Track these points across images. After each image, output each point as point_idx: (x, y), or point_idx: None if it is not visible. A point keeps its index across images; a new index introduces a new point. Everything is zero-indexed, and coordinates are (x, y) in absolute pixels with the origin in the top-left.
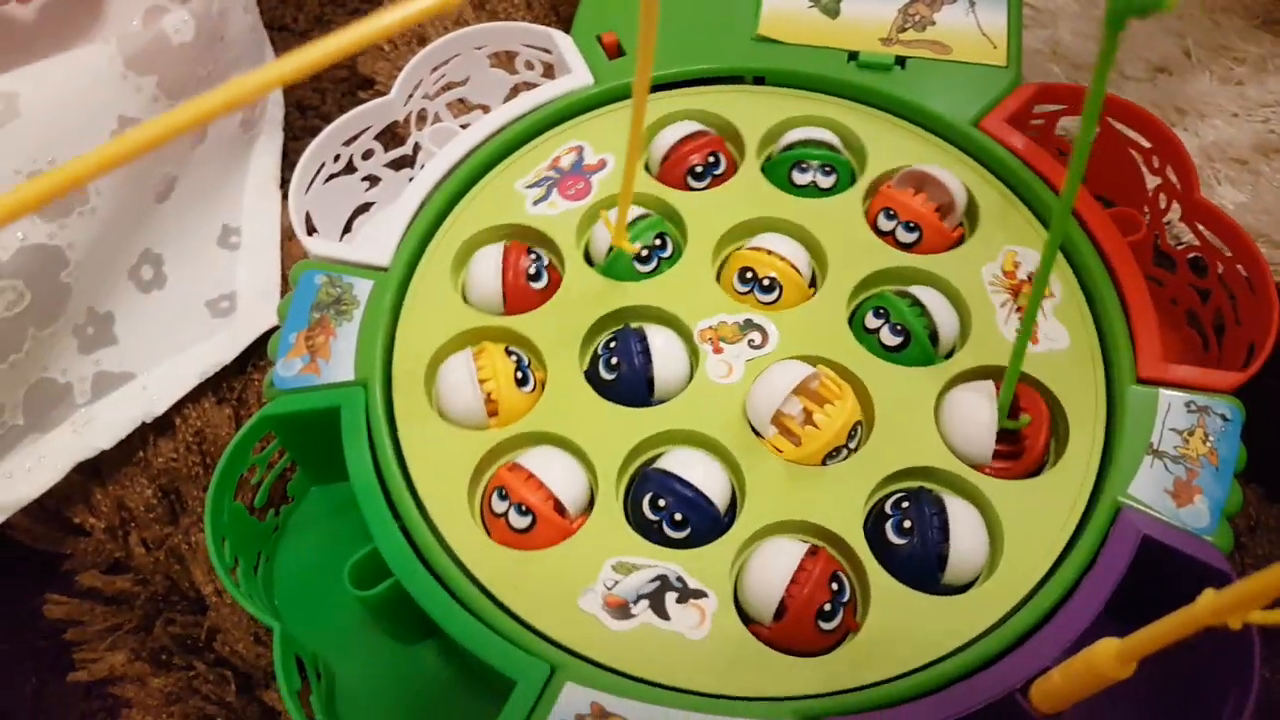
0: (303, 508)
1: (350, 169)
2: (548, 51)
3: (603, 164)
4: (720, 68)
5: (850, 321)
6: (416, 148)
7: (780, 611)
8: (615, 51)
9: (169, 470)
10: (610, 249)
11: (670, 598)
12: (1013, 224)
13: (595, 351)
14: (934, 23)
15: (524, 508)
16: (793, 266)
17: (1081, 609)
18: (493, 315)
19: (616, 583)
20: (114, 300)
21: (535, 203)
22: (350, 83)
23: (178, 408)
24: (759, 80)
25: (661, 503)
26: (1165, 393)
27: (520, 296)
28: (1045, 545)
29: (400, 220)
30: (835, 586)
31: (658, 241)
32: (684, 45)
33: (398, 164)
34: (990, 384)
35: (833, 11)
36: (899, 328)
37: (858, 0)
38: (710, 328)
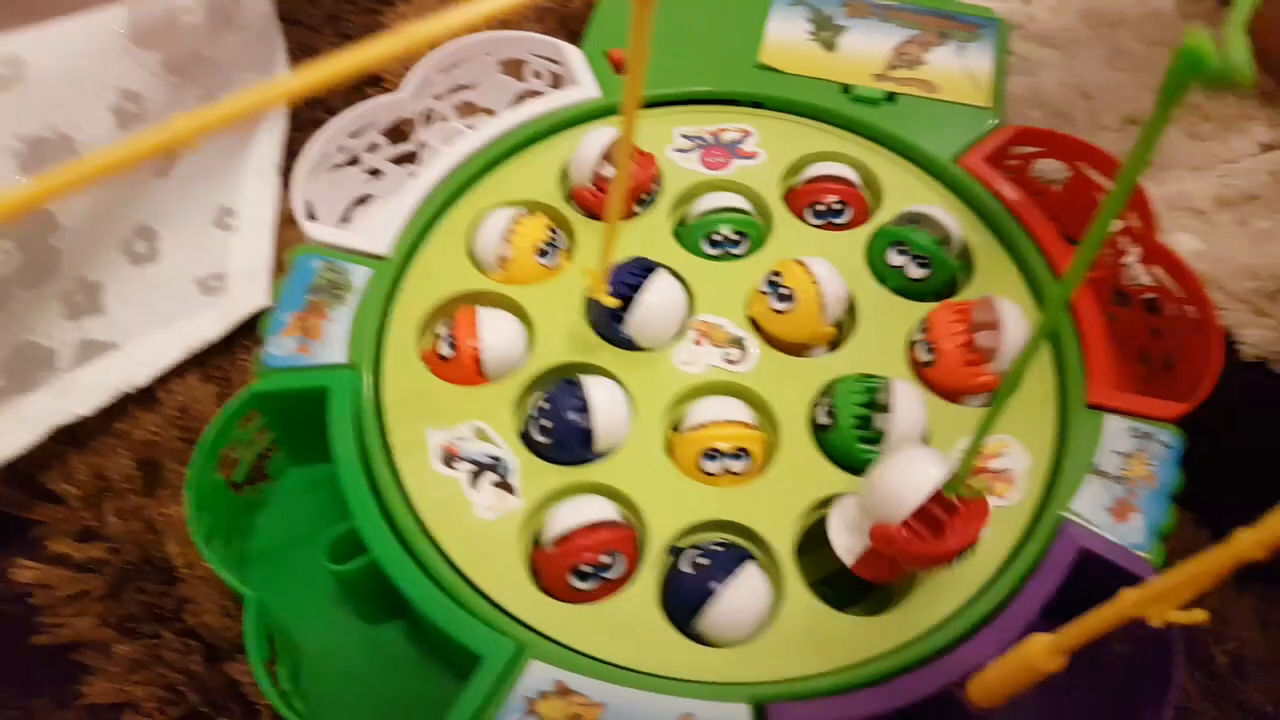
0: (279, 486)
1: (353, 161)
2: (555, 62)
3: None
4: (722, 91)
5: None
6: (421, 145)
7: None
8: (622, 67)
9: (149, 443)
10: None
11: (486, 478)
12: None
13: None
14: (924, 62)
15: (453, 343)
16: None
17: (1021, 611)
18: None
19: (463, 439)
20: (104, 270)
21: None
22: (359, 80)
23: (162, 382)
24: (757, 105)
25: (544, 405)
26: (1111, 418)
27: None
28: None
29: (403, 212)
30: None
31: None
32: (689, 67)
33: (400, 159)
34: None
35: (831, 45)
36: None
37: (855, 36)
38: (705, 323)
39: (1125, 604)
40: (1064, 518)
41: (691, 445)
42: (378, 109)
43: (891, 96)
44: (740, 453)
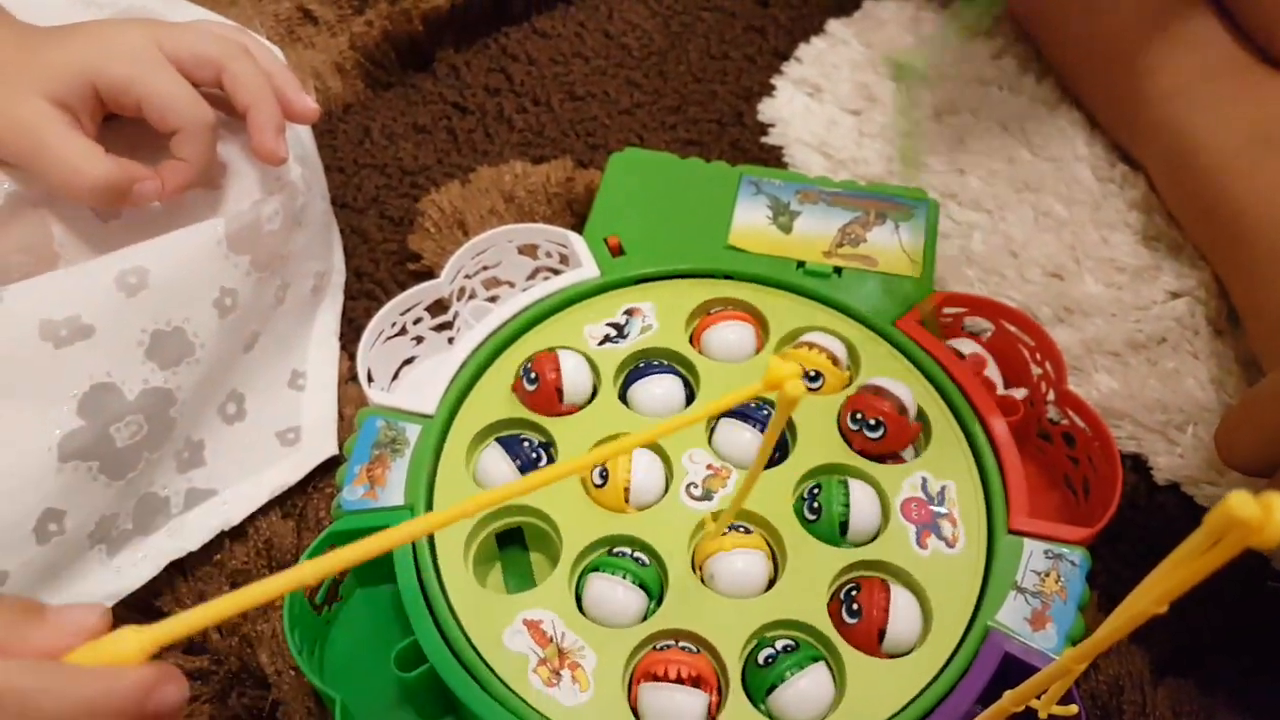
0: (349, 605)
1: (402, 331)
2: (564, 246)
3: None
4: (698, 268)
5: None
6: (455, 314)
7: None
8: (617, 251)
9: (241, 571)
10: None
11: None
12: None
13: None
14: (865, 240)
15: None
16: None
17: (955, 706)
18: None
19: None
20: (205, 430)
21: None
22: (400, 255)
23: (251, 519)
24: (727, 277)
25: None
26: (1029, 542)
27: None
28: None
29: (444, 377)
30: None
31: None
32: (668, 249)
33: (438, 326)
34: None
35: (787, 229)
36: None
37: (808, 219)
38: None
39: (1009, 701)
40: (990, 627)
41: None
42: (423, 292)
43: (839, 270)
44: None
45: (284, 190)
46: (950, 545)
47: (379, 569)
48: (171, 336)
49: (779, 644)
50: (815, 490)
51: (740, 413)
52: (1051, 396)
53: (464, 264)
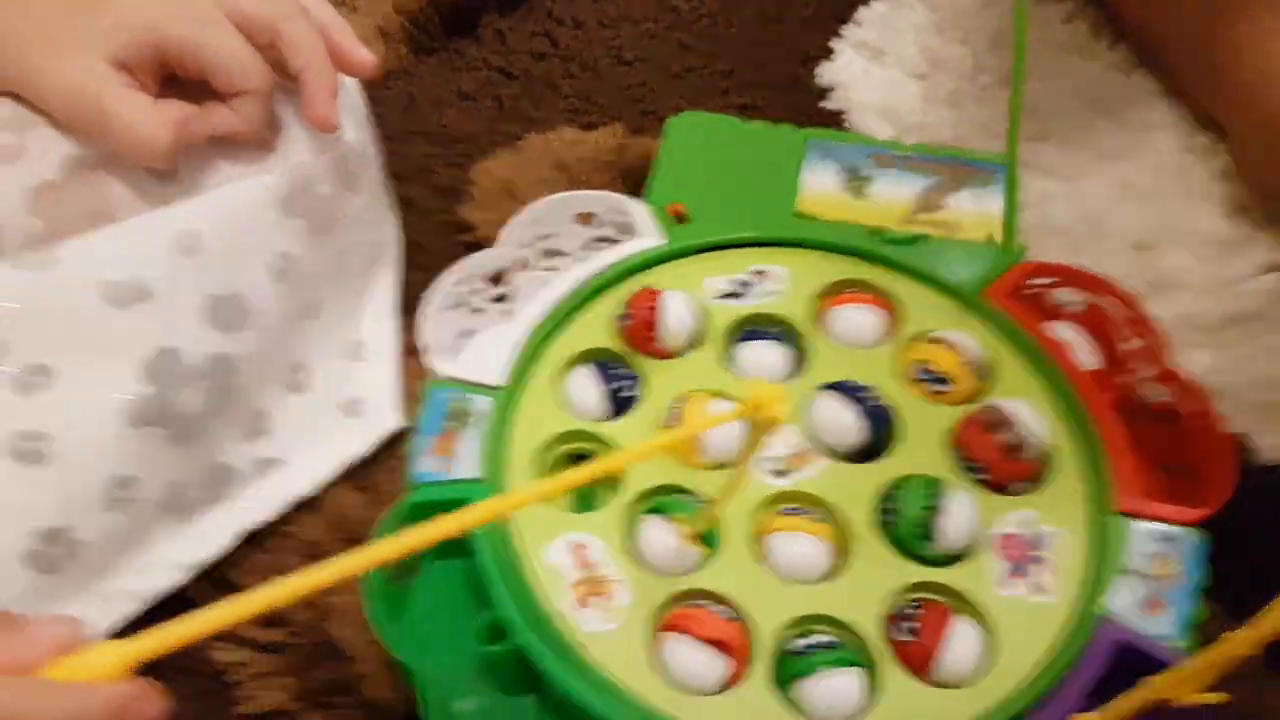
0: (422, 578)
1: (460, 302)
2: (623, 214)
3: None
4: (768, 236)
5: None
6: (512, 285)
7: None
8: (680, 219)
9: (314, 543)
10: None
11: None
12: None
13: None
14: (945, 207)
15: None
16: None
17: (1065, 699)
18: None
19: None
20: (270, 400)
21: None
22: (450, 225)
23: (322, 491)
24: (798, 245)
25: None
26: (1139, 523)
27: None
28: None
29: (509, 348)
30: None
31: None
32: (736, 217)
33: (496, 298)
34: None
35: (861, 194)
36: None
37: (882, 184)
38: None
39: (1152, 688)
40: (1101, 614)
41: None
42: (481, 262)
43: (918, 238)
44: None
45: (336, 152)
46: (1039, 593)
47: (454, 542)
48: (229, 301)
49: (820, 638)
50: (897, 490)
51: (845, 390)
52: (1150, 373)
53: (522, 233)
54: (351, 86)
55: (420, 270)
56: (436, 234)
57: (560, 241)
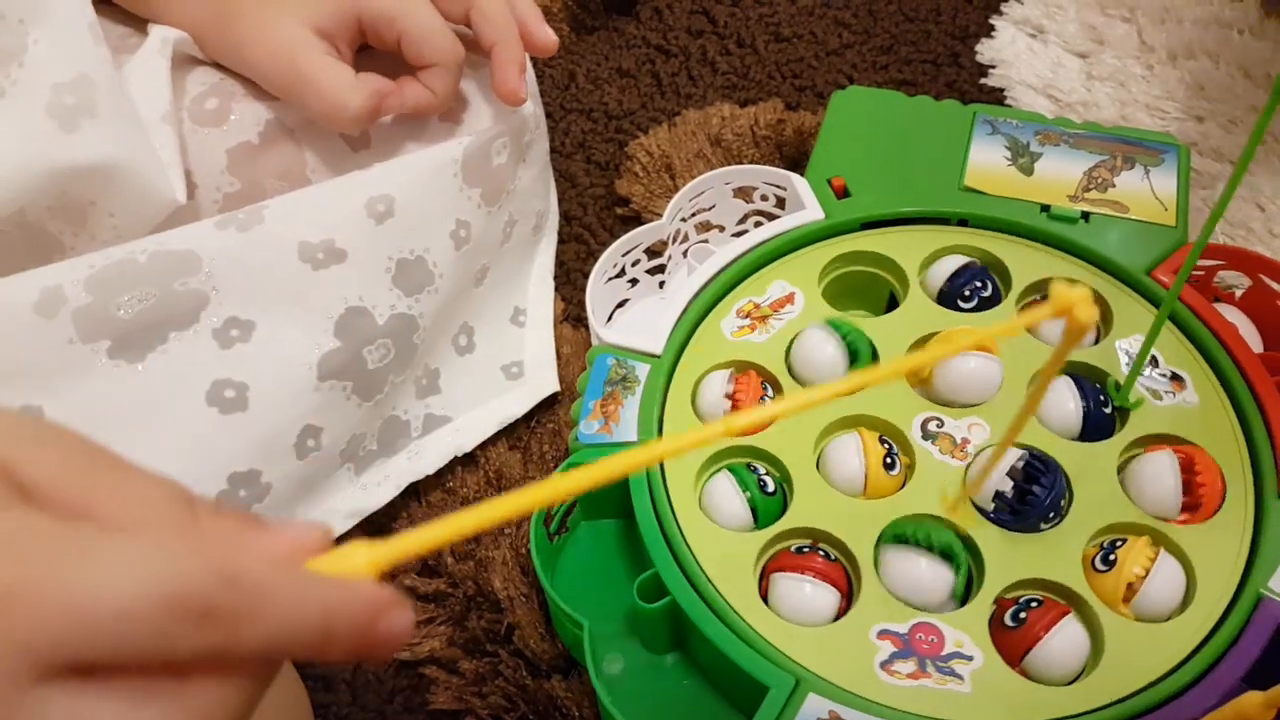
0: (576, 536)
1: (620, 272)
2: (782, 188)
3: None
4: (933, 210)
5: None
6: (669, 257)
7: None
8: (842, 193)
9: (473, 499)
10: None
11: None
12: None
13: None
14: (1114, 185)
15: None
16: None
17: (1224, 676)
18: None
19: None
20: (441, 359)
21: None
22: (607, 199)
23: (480, 449)
24: (962, 222)
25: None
26: None
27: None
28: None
29: (670, 317)
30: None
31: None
32: (903, 191)
33: (652, 269)
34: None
35: (1029, 170)
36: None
37: (1049, 162)
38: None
39: None
40: (1263, 594)
41: None
42: (644, 234)
43: (1086, 215)
44: None
45: (512, 124)
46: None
47: (606, 503)
48: (415, 265)
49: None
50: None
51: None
52: None
53: (682, 206)
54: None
55: (577, 242)
56: (594, 207)
57: (718, 215)
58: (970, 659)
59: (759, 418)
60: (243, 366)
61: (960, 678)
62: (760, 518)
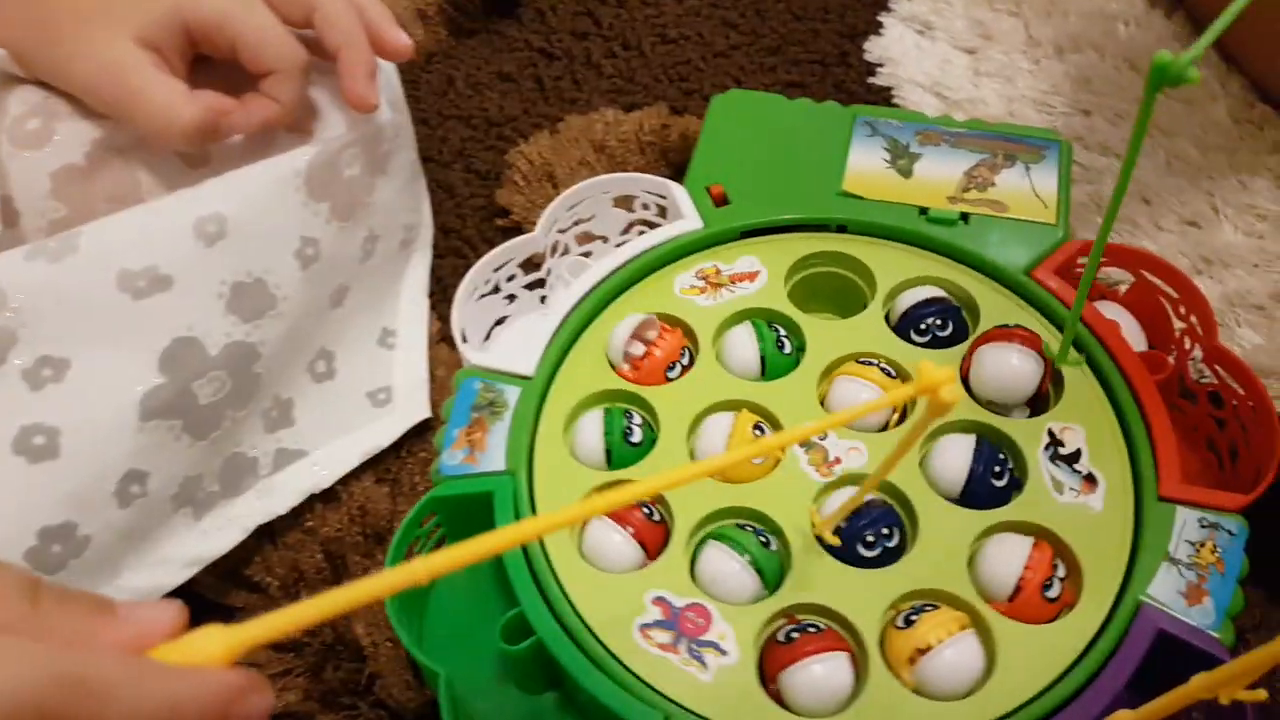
0: (447, 576)
1: (494, 289)
2: (663, 196)
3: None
4: (810, 217)
5: None
6: (549, 271)
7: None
8: (721, 201)
9: (334, 538)
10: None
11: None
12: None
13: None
14: (995, 184)
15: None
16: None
17: (1105, 688)
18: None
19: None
20: (294, 389)
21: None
22: (488, 210)
23: (343, 483)
24: (841, 229)
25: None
26: (1182, 510)
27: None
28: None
29: (542, 337)
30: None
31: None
32: (779, 197)
33: (531, 284)
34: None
35: (908, 172)
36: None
37: (930, 162)
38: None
39: (1196, 687)
40: (1142, 601)
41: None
42: (516, 247)
43: (965, 217)
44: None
45: (365, 132)
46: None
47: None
48: (252, 288)
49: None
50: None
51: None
52: (1198, 353)
53: (558, 217)
54: (388, 68)
55: (456, 256)
56: (473, 219)
57: (599, 225)
58: (725, 654)
59: (628, 496)
60: (54, 409)
61: (705, 665)
62: (614, 461)
